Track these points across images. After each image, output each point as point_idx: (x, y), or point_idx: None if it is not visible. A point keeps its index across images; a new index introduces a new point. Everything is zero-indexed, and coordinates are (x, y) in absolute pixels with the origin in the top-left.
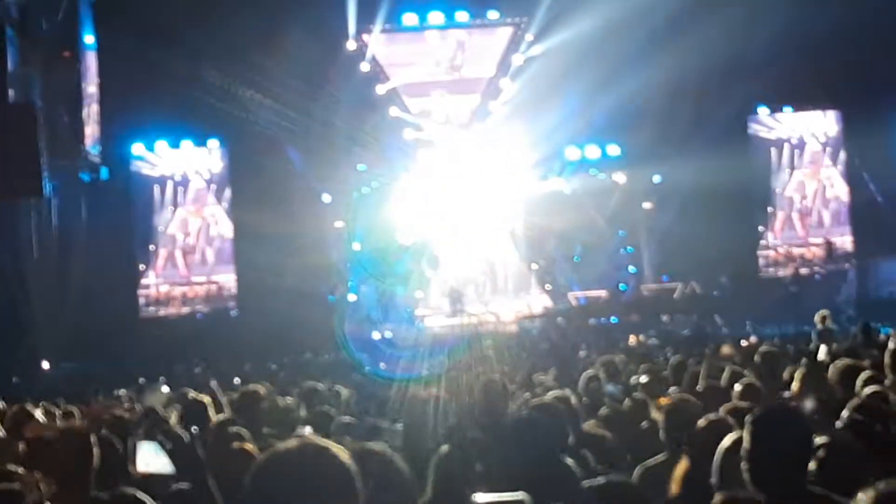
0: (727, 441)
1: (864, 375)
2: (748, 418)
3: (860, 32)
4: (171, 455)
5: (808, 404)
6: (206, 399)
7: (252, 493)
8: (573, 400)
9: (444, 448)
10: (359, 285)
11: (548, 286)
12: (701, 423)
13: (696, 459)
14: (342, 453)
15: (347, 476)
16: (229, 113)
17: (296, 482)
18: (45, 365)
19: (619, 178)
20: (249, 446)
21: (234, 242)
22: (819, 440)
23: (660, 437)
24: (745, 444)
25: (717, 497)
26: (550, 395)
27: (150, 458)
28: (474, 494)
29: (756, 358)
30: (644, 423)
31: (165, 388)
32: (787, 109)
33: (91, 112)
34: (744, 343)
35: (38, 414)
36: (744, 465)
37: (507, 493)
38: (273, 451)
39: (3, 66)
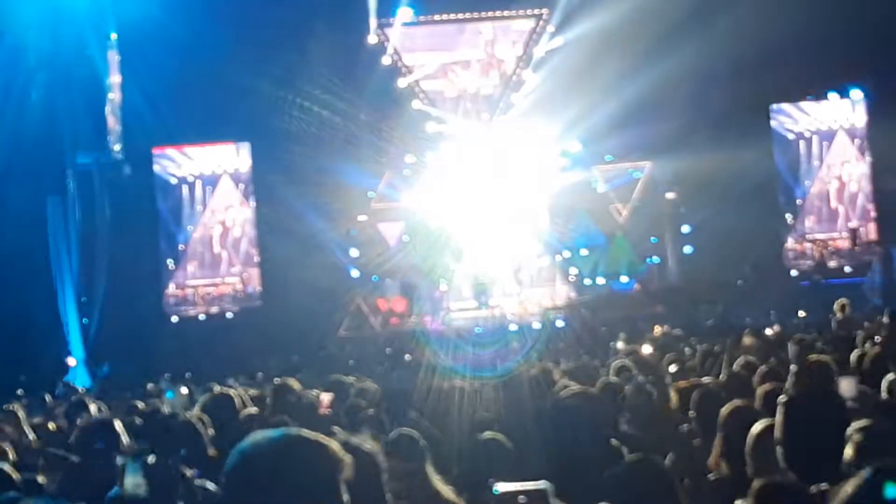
0: (758, 427)
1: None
2: (782, 400)
3: (886, 20)
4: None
5: (846, 387)
6: (233, 392)
7: (230, 479)
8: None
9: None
10: (382, 279)
11: (572, 277)
12: (725, 409)
13: (727, 444)
14: (333, 445)
15: (328, 465)
16: (252, 109)
17: (273, 470)
18: (72, 363)
19: (643, 168)
20: None
21: (258, 240)
22: (858, 424)
23: (692, 424)
24: (779, 426)
25: (756, 483)
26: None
27: (135, 481)
28: (496, 484)
29: (791, 346)
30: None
31: (185, 390)
32: (812, 99)
33: (114, 110)
34: (768, 331)
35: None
36: (778, 447)
37: (528, 483)
38: (252, 440)
39: (26, 64)
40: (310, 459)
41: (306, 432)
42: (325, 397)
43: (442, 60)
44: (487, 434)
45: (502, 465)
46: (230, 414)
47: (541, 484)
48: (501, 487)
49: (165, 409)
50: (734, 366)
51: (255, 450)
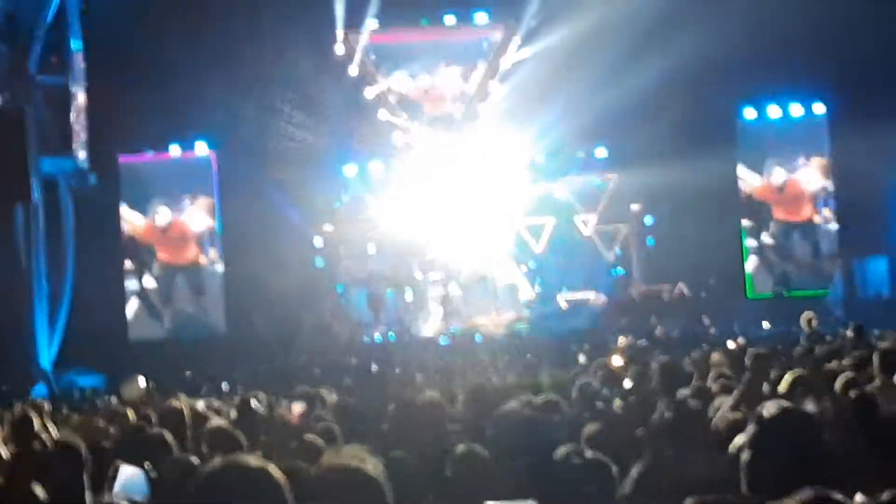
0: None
1: (843, 378)
2: (754, 419)
3: (848, 28)
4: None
5: (809, 407)
6: (181, 405)
7: None
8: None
9: (461, 448)
10: (348, 289)
11: (538, 288)
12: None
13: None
14: (273, 471)
15: (278, 494)
16: (218, 119)
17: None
18: (35, 374)
19: (608, 179)
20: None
21: (224, 252)
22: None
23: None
24: (748, 447)
25: (688, 501)
26: (541, 398)
27: (129, 484)
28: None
29: (746, 361)
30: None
31: (142, 382)
32: (775, 107)
33: (79, 118)
34: (731, 345)
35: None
36: (744, 470)
37: (517, 501)
38: (200, 474)
39: None
40: (253, 488)
41: (249, 459)
42: (297, 407)
43: (409, 71)
44: (462, 448)
45: (483, 480)
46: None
47: (528, 503)
48: None
49: (115, 399)
50: (700, 379)
51: (200, 483)
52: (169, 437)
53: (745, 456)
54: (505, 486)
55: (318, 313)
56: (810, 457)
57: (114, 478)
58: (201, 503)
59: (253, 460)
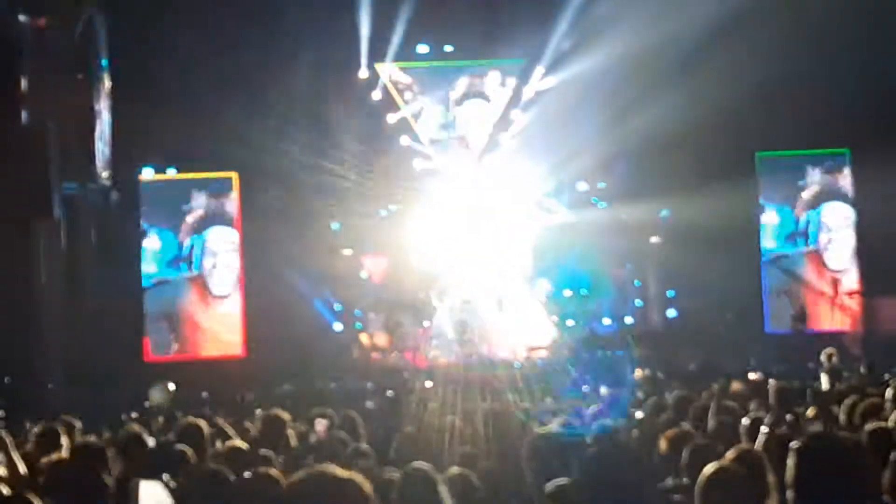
0: (710, 469)
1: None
2: (794, 446)
3: (872, 74)
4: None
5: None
6: (202, 423)
7: None
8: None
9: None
10: (365, 314)
11: (555, 318)
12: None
13: None
14: (361, 482)
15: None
16: (239, 141)
17: None
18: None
19: (628, 211)
20: (274, 471)
21: (244, 273)
22: None
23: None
24: (791, 474)
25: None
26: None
27: (152, 498)
28: None
29: (771, 397)
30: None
31: (172, 386)
32: (794, 148)
33: (103, 135)
34: (752, 376)
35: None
36: (790, 496)
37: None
38: (291, 482)
39: (17, 87)
40: (341, 497)
41: (336, 470)
42: (321, 423)
43: (432, 98)
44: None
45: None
46: (199, 446)
47: None
48: None
49: (148, 403)
50: (719, 414)
51: (294, 492)
52: (189, 451)
53: (788, 479)
54: None
55: (335, 338)
56: (851, 480)
57: (135, 494)
58: None
59: (340, 472)
